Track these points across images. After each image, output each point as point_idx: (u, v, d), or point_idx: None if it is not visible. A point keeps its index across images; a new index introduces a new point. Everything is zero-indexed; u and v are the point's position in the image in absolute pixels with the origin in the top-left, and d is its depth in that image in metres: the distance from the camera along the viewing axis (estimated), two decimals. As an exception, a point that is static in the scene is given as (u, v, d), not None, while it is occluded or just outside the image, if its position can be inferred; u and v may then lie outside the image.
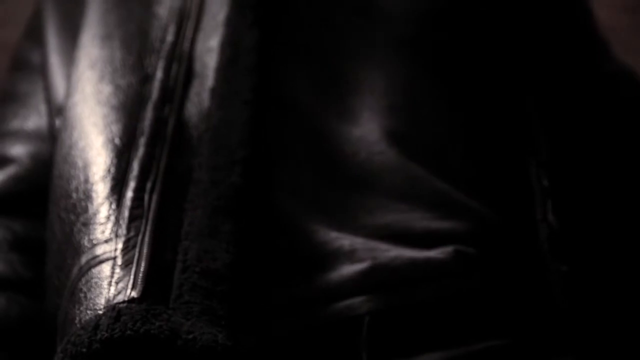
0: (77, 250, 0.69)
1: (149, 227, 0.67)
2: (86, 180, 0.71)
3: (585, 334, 0.69)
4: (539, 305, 0.70)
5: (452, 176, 0.73)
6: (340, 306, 0.67)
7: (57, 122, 0.83)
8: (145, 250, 0.66)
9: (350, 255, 0.69)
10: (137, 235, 0.67)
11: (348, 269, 0.68)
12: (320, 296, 0.68)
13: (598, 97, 0.81)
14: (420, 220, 0.71)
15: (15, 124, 0.88)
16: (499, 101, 0.79)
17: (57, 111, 0.83)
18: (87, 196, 0.70)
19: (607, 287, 0.71)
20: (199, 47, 0.77)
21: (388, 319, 0.67)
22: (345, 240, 0.69)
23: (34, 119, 0.87)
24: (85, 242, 0.68)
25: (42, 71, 0.88)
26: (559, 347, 0.69)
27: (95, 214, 0.69)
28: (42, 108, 0.87)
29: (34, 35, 0.91)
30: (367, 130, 0.74)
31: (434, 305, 0.68)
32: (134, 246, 0.66)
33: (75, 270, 0.68)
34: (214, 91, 0.74)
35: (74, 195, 0.72)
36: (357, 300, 0.67)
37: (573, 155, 0.76)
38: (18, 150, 0.86)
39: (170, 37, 0.78)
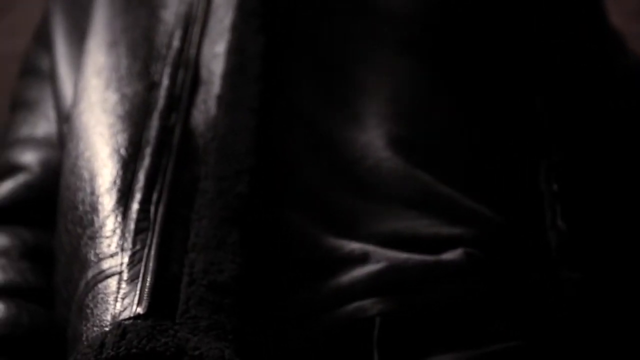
0: (83, 264, 0.68)
1: (154, 240, 0.66)
2: (92, 193, 0.71)
3: (597, 338, 0.68)
4: (551, 308, 0.69)
5: (459, 182, 0.73)
6: (352, 308, 0.67)
7: (65, 128, 0.83)
8: (151, 264, 0.65)
9: (362, 259, 0.68)
10: (143, 248, 0.66)
11: (359, 272, 0.68)
12: (331, 299, 0.67)
13: (612, 94, 0.80)
14: (429, 226, 0.70)
15: (25, 131, 0.88)
16: (508, 102, 0.78)
17: (65, 118, 0.83)
18: (93, 209, 0.70)
19: (617, 293, 0.70)
20: (205, 53, 0.76)
21: (399, 320, 0.66)
22: (355, 246, 0.69)
23: (44, 126, 0.87)
24: (92, 257, 0.68)
25: (51, 78, 0.87)
26: (571, 350, 0.68)
27: (101, 227, 0.69)
28: (51, 115, 0.87)
29: (43, 41, 0.91)
30: (374, 137, 0.74)
31: (446, 306, 0.67)
32: (140, 260, 0.66)
33: (82, 284, 0.68)
34: (220, 98, 0.73)
35: (80, 207, 0.71)
36: (368, 302, 0.67)
37: (584, 157, 0.75)
38: (28, 157, 0.86)
39: (176, 43, 0.77)
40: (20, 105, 0.90)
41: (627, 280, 0.70)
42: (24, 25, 1.21)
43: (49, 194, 0.81)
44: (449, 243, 0.69)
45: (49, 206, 0.79)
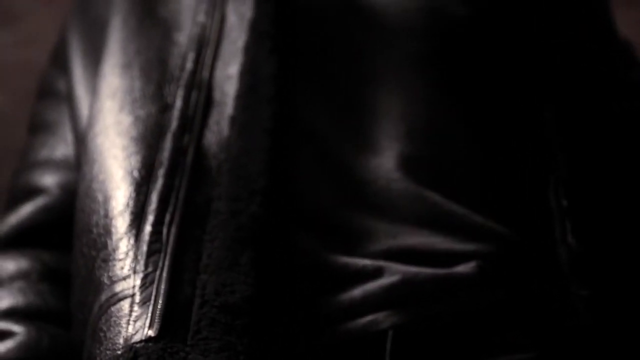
0: (97, 287, 0.69)
1: (167, 262, 0.67)
2: (106, 215, 0.71)
3: (607, 351, 0.68)
4: (563, 321, 0.69)
5: (471, 199, 0.73)
6: (365, 321, 0.67)
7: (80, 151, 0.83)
8: (163, 287, 0.65)
9: (375, 274, 0.69)
10: (155, 270, 0.66)
11: (372, 285, 0.68)
12: (344, 312, 0.68)
13: (621, 107, 0.79)
14: (442, 243, 0.70)
15: (44, 153, 0.88)
16: (517, 118, 0.78)
17: (81, 140, 0.84)
18: (107, 231, 0.70)
19: (628, 307, 0.69)
20: (218, 74, 0.77)
21: (412, 333, 0.67)
22: (368, 262, 0.69)
23: (62, 149, 0.87)
24: (105, 279, 0.68)
25: (68, 99, 0.88)
26: None
27: (114, 250, 0.69)
28: (69, 137, 0.87)
29: (60, 62, 0.92)
30: (385, 158, 0.74)
31: (458, 318, 0.67)
32: (152, 282, 0.66)
33: (96, 307, 0.68)
34: (233, 120, 0.73)
35: (95, 230, 0.72)
36: (381, 315, 0.67)
37: (594, 172, 0.74)
38: (47, 180, 0.86)
39: (189, 65, 0.78)
40: (38, 128, 0.90)
41: (637, 295, 0.70)
42: (34, 36, 1.23)
43: (68, 216, 0.81)
44: (462, 258, 0.69)
45: (68, 228, 0.79)
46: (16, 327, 0.75)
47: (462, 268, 0.69)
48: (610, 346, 0.68)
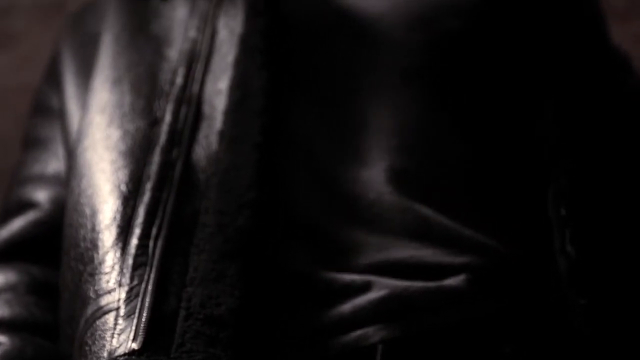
0: (84, 301, 0.69)
1: (152, 275, 0.67)
2: (93, 229, 0.71)
3: None
4: (559, 333, 0.69)
5: (461, 212, 0.72)
6: (354, 335, 0.67)
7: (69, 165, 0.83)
8: (147, 299, 0.65)
9: (364, 288, 0.68)
10: (140, 283, 0.66)
11: (361, 300, 0.68)
12: (333, 326, 0.67)
13: (620, 118, 0.79)
14: (432, 256, 0.70)
15: (37, 169, 0.88)
16: (513, 128, 0.78)
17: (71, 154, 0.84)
18: (94, 245, 0.70)
19: (627, 318, 0.69)
20: (208, 89, 0.77)
21: (401, 347, 0.66)
22: (356, 276, 0.69)
23: (54, 164, 0.88)
24: (91, 293, 0.68)
25: (60, 116, 0.88)
26: None
27: (100, 264, 0.69)
28: (61, 152, 0.87)
29: (53, 79, 0.92)
30: (375, 171, 0.73)
31: (448, 332, 0.67)
32: (137, 295, 0.66)
33: (82, 321, 0.68)
34: (222, 134, 0.74)
35: (82, 244, 0.72)
36: (370, 329, 0.67)
37: (592, 181, 0.73)
38: (39, 195, 0.86)
39: (179, 80, 0.78)
40: (31, 144, 0.91)
41: (636, 304, 0.69)
42: (31, 57, 1.23)
43: (59, 231, 0.81)
44: (451, 271, 0.69)
45: (59, 243, 0.80)
46: (1, 338, 0.75)
47: (452, 281, 0.68)
48: (608, 356, 0.67)
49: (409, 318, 0.67)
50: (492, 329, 0.68)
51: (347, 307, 0.68)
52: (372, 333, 0.66)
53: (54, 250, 0.81)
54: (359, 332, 0.67)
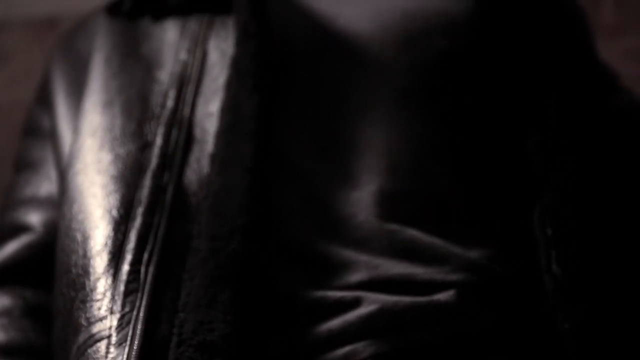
0: (76, 328, 0.68)
1: (144, 302, 0.66)
2: (84, 255, 0.71)
3: None
4: (547, 349, 0.68)
5: (451, 232, 0.72)
6: (344, 351, 0.66)
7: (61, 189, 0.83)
8: (139, 326, 0.65)
9: (353, 304, 0.68)
10: (132, 310, 0.66)
11: (351, 315, 0.67)
12: (323, 342, 0.67)
13: (606, 136, 0.79)
14: (422, 274, 0.70)
15: (29, 191, 0.88)
16: (501, 148, 0.78)
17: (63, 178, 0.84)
18: (85, 271, 0.70)
19: (615, 337, 0.69)
20: (199, 112, 0.77)
21: None
22: (346, 292, 0.69)
23: (46, 186, 0.87)
24: (83, 321, 0.68)
25: (51, 137, 0.88)
26: None
27: (92, 290, 0.69)
28: (53, 174, 0.87)
29: (44, 101, 0.92)
30: (365, 193, 0.73)
31: (437, 346, 0.67)
32: (129, 323, 0.65)
33: (74, 349, 0.68)
34: (214, 157, 0.73)
35: (74, 270, 0.71)
36: (360, 345, 0.66)
37: (578, 200, 0.73)
38: (32, 218, 0.86)
39: (170, 103, 0.78)
40: (23, 166, 0.90)
41: (624, 323, 0.69)
42: (24, 75, 1.24)
43: (52, 254, 0.81)
44: (442, 287, 0.69)
45: (52, 266, 0.79)
46: None
47: (442, 296, 0.68)
48: None
49: (398, 333, 0.67)
50: (481, 344, 0.67)
51: (337, 322, 0.67)
52: (361, 349, 0.66)
53: (47, 273, 0.80)
54: (348, 348, 0.66)
